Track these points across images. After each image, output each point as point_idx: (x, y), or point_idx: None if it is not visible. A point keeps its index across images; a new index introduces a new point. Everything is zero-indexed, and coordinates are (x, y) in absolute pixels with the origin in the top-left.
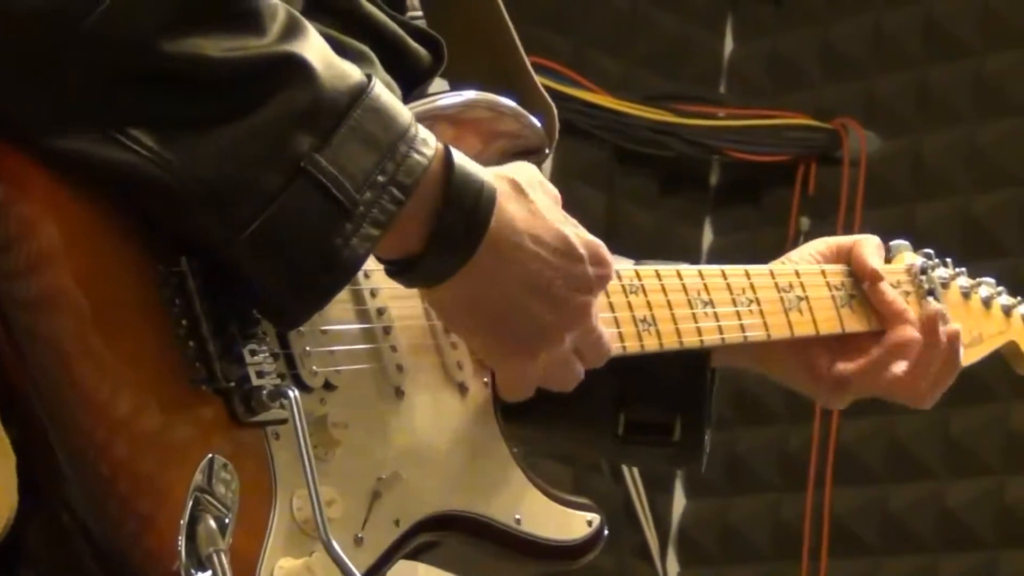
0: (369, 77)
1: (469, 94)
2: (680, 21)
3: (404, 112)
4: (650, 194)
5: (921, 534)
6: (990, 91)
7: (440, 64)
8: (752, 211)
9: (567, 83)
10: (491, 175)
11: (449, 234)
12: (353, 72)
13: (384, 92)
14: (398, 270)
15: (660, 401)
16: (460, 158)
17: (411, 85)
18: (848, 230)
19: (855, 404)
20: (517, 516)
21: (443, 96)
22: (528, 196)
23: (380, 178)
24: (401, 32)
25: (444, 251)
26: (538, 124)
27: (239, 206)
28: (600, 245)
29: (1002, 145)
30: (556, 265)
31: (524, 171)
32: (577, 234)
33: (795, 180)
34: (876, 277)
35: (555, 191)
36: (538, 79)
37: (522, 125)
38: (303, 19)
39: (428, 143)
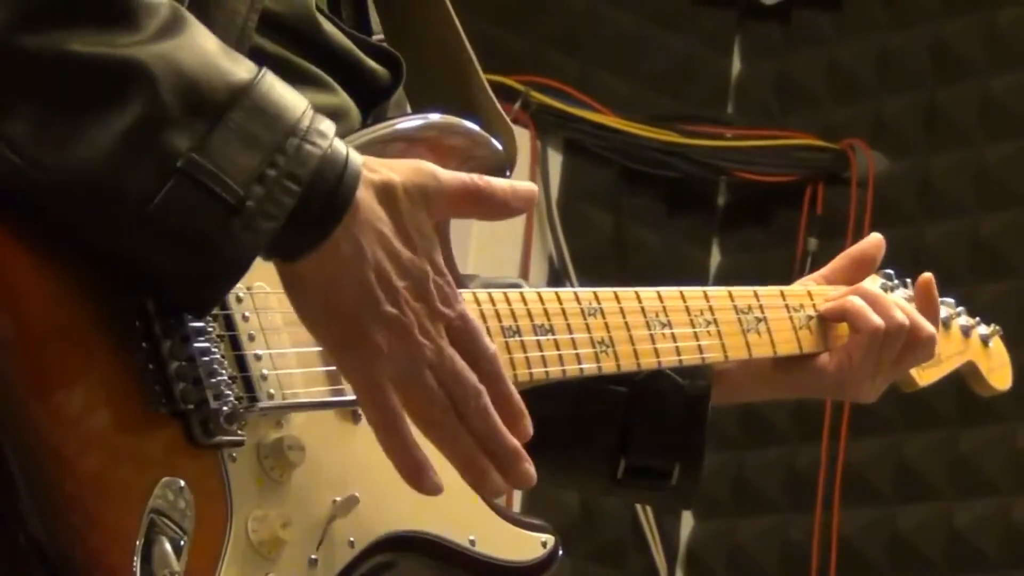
0: (260, 73)
1: (432, 116)
2: (687, 42)
3: (294, 106)
4: (657, 215)
5: (929, 555)
6: (998, 111)
7: (399, 82)
8: (760, 232)
9: (574, 104)
10: (365, 166)
11: (306, 211)
12: (237, 70)
13: (274, 88)
14: None
15: (661, 449)
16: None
17: (370, 104)
18: None
19: (863, 424)
20: (472, 537)
21: (403, 119)
22: (400, 202)
23: (271, 172)
24: (357, 51)
25: (299, 227)
26: (500, 147)
27: (118, 208)
28: (455, 290)
29: (1010, 165)
30: (407, 267)
31: (419, 174)
32: (433, 259)
33: (803, 201)
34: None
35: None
36: (546, 98)
37: (489, 151)
38: (190, 17)
39: (325, 134)
